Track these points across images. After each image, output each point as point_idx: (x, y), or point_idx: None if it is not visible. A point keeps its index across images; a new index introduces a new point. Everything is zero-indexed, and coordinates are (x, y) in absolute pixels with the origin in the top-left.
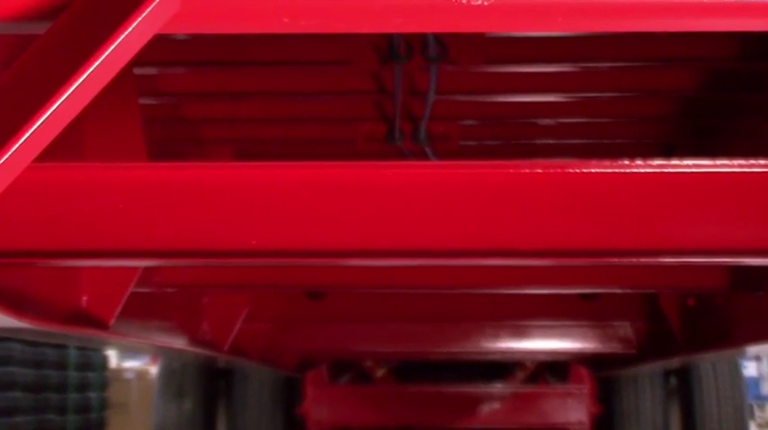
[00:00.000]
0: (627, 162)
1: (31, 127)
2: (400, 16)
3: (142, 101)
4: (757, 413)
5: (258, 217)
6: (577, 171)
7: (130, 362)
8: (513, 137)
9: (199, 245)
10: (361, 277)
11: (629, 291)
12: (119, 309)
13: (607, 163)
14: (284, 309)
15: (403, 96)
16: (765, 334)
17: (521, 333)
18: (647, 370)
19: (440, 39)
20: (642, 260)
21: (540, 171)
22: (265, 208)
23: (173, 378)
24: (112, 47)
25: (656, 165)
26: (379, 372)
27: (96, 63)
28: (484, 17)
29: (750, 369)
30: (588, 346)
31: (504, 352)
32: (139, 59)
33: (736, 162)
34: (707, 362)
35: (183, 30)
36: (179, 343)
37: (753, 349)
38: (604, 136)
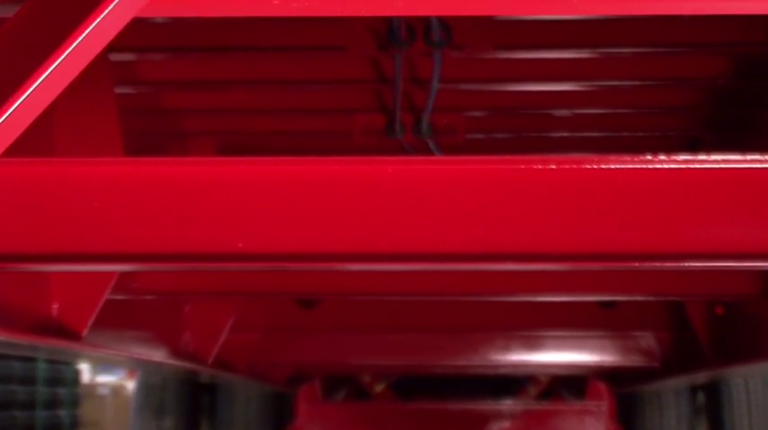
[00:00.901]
0: (649, 157)
1: None
2: None
3: (118, 90)
4: None
5: (245, 217)
6: (595, 167)
7: (105, 377)
8: (525, 129)
9: (180, 248)
10: (358, 283)
11: (651, 298)
12: (92, 319)
13: (627, 158)
14: (274, 318)
15: (404, 85)
16: None
17: (533, 344)
18: (671, 385)
19: (444, 22)
20: (666, 264)
21: (553, 167)
22: (253, 208)
23: (151, 394)
24: (87, 31)
25: (682, 160)
26: (378, 388)
27: (69, 49)
28: None
29: None
30: (607, 359)
31: (515, 365)
32: (116, 45)
33: None
34: (738, 377)
35: (163, 13)
36: (158, 355)
37: None
38: (625, 128)
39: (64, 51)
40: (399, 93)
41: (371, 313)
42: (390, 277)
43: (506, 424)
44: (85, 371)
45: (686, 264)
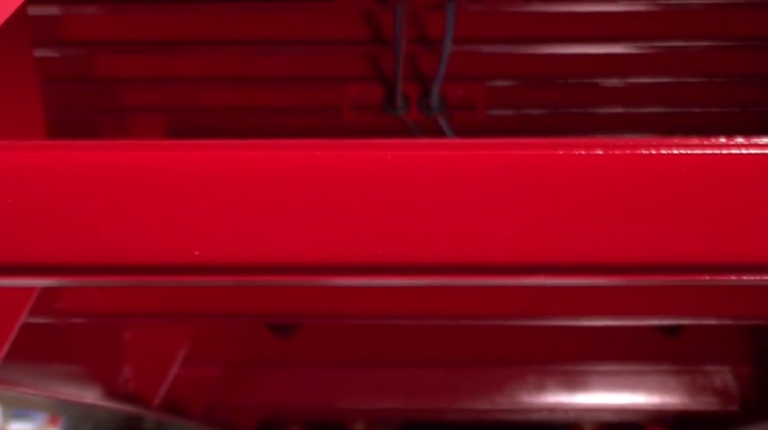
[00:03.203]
0: (723, 140)
1: None
2: None
3: (39, 53)
4: None
5: (203, 217)
6: (654, 152)
7: (19, 424)
8: (564, 104)
9: (118, 256)
10: (348, 303)
11: (728, 322)
12: (5, 348)
13: (696, 141)
14: (239, 347)
15: (407, 46)
16: None
17: (575, 382)
18: None
19: None
20: (746, 278)
21: (600, 153)
22: (213, 205)
23: None
24: None
25: (765, 143)
26: None
27: None
28: None
29: None
30: (670, 401)
31: (551, 409)
32: None
33: None
34: None
35: None
36: (90, 395)
37: None
38: (693, 102)
39: None
40: (402, 56)
41: (365, 342)
42: (390, 295)
43: None
44: None
45: None
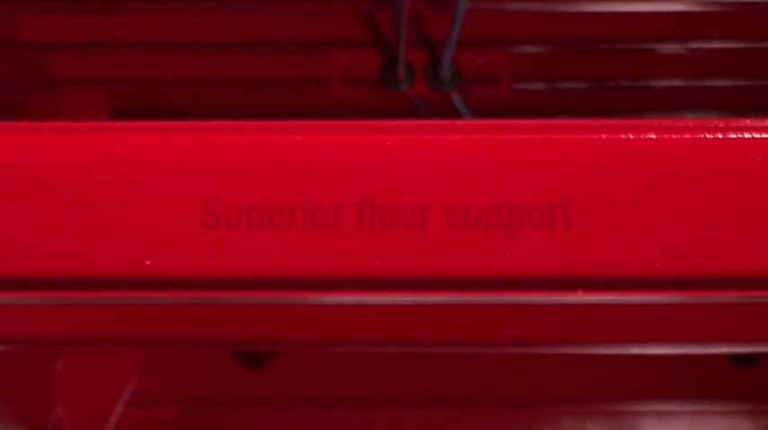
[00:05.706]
0: None
1: None
2: None
3: None
4: None
5: (156, 218)
6: (722, 137)
7: None
8: (608, 75)
9: (50, 266)
10: (336, 326)
11: None
12: None
13: None
14: (201, 382)
15: (412, 3)
16: None
17: (623, 426)
18: None
19: None
20: None
21: (653, 137)
22: (168, 203)
23: None
24: None
25: None
26: None
27: None
28: None
29: None
30: None
31: None
32: None
33: None
34: None
35: None
36: None
37: None
38: None
39: None
40: (404, 15)
41: (359, 375)
42: (391, 316)
43: None
44: None
45: None
